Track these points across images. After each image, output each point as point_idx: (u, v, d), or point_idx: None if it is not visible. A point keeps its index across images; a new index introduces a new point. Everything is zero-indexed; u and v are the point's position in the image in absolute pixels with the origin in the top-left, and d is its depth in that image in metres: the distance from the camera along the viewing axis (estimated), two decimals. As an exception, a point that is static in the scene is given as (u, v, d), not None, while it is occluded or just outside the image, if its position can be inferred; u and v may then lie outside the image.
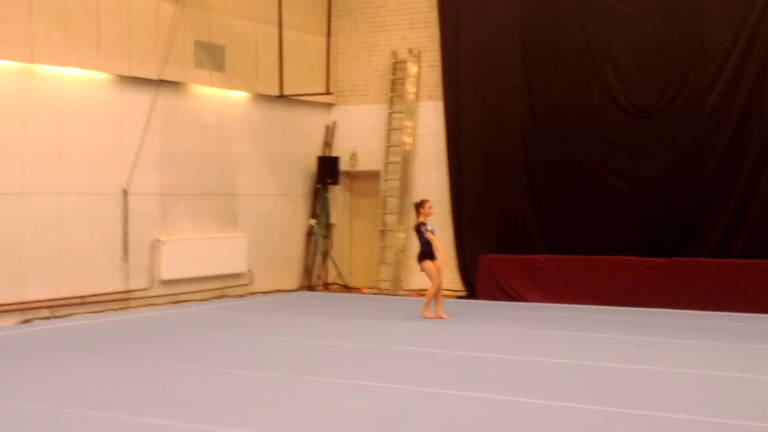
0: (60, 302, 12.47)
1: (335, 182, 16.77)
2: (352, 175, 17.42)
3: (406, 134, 16.40)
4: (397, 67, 16.66)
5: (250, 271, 15.49)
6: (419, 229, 12.61)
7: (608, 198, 14.53)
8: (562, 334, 11.16)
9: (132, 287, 13.51)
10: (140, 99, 13.55)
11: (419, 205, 12.77)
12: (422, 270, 12.69)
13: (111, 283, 13.22)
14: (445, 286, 15.85)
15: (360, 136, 17.03)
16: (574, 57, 14.78)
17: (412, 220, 16.34)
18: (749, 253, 13.62)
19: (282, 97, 15.49)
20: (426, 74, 16.43)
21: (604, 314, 13.05)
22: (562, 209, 14.88)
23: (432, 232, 12.59)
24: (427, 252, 12.54)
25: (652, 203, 14.22)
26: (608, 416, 6.82)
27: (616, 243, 14.32)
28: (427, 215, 12.69)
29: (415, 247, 16.23)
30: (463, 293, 15.54)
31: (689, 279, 13.57)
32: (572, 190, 14.77)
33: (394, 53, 16.64)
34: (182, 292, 14.23)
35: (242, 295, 15.19)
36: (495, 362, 9.23)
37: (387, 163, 16.67)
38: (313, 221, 16.89)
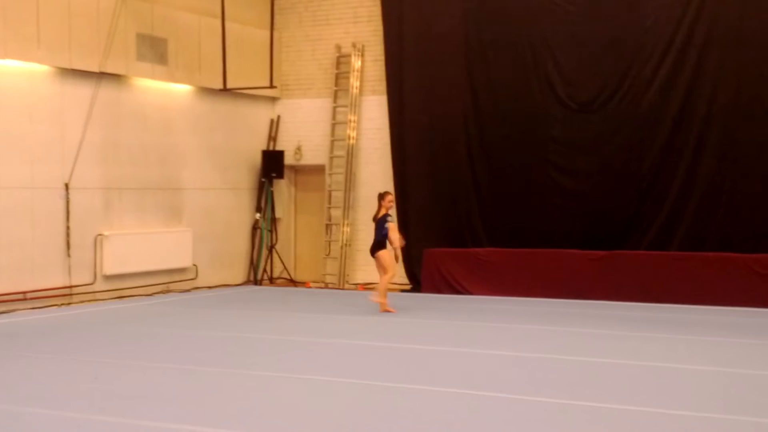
0: (0, 298, 12.29)
1: (280, 176, 16.75)
2: (297, 169, 17.41)
3: (350, 128, 16.43)
4: (341, 61, 16.68)
5: (195, 265, 15.41)
6: (383, 219, 12.65)
7: (550, 192, 14.73)
8: (505, 326, 11.31)
9: (75, 282, 13.37)
10: (81, 92, 13.39)
11: (381, 197, 12.84)
12: (378, 259, 12.65)
13: (53, 278, 13.07)
14: (390, 279, 16.00)
15: (304, 130, 17.03)
16: (515, 52, 14.94)
17: (357, 214, 16.46)
18: (688, 245, 13.91)
19: (225, 91, 15.41)
20: (370, 68, 16.47)
21: (546, 306, 13.23)
22: (505, 203, 15.05)
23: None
24: (381, 243, 12.61)
25: (592, 197, 14.44)
26: (550, 407, 6.94)
27: (558, 236, 14.53)
28: (388, 207, 12.77)
29: (360, 240, 16.38)
30: (408, 287, 15.63)
31: (629, 271, 13.83)
32: (515, 184, 14.94)
33: (338, 47, 16.65)
34: (126, 287, 14.11)
35: (187, 290, 15.11)
36: (441, 355, 9.32)
37: (332, 157, 16.69)
38: (258, 215, 16.85)
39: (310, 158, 17.04)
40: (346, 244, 16.37)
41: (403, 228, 15.72)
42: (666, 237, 14.09)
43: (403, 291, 15.48)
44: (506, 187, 15.02)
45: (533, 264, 14.41)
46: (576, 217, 14.56)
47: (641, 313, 12.40)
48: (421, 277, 15.28)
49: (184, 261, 15.19)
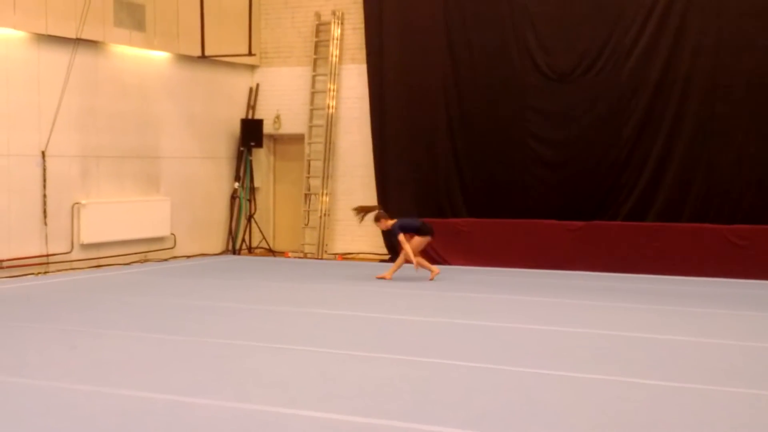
0: (-24, 267, 12.24)
1: (259, 145, 16.68)
2: (276, 138, 17.33)
3: (329, 97, 16.36)
4: (320, 29, 16.57)
5: (173, 234, 15.36)
6: (392, 233, 12.96)
7: (529, 162, 14.75)
8: (484, 296, 11.36)
9: (52, 251, 13.29)
10: (58, 58, 13.24)
11: (377, 221, 13.18)
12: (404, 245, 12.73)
13: (30, 247, 12.98)
14: (369, 249, 16.05)
15: (284, 98, 16.94)
16: (495, 21, 14.90)
17: (336, 183, 16.44)
18: (665, 216, 13.99)
19: (204, 58, 15.29)
20: (349, 37, 16.38)
21: (524, 277, 13.30)
22: (484, 173, 15.06)
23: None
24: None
25: (571, 167, 14.47)
26: (526, 376, 6.99)
27: (537, 206, 14.57)
28: (387, 227, 13.07)
29: (339, 210, 16.38)
30: (386, 257, 15.65)
31: (607, 242, 13.91)
32: (494, 154, 14.94)
33: (318, 15, 16.53)
34: (104, 256, 14.06)
35: (165, 259, 15.07)
36: (419, 324, 9.36)
37: (311, 126, 16.62)
38: (237, 184, 16.79)
39: (289, 127, 16.96)
40: (325, 214, 16.35)
41: (381, 197, 15.76)
42: (644, 208, 14.16)
43: (382, 261, 15.50)
44: (485, 157, 15.03)
45: (511, 234, 14.45)
46: (554, 188, 14.60)
47: (618, 284, 12.49)
48: (399, 247, 15.27)
49: (162, 230, 15.13)
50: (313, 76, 16.59)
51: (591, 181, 14.35)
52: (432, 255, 14.84)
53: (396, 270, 12.98)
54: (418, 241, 12.86)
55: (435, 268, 12.94)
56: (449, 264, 14.64)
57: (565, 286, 12.24)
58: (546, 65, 14.62)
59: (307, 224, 16.57)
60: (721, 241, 13.37)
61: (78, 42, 13.33)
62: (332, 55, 16.32)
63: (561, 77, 14.55)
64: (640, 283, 12.70)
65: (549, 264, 14.00)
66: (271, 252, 16.78)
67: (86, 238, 13.71)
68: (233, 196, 16.80)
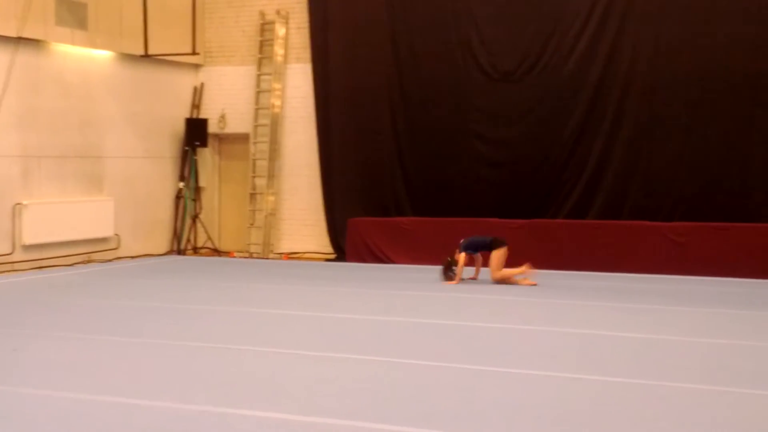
0: None
1: (204, 144, 16.61)
2: (221, 138, 17.28)
3: (275, 97, 16.35)
4: (265, 28, 16.54)
5: (117, 235, 15.23)
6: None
7: (472, 161, 14.92)
8: (428, 295, 11.46)
9: (-8, 253, 13.13)
10: (-2, 58, 13.08)
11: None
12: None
13: (-31, 248, 12.80)
14: (315, 249, 16.09)
15: (229, 98, 16.89)
16: (439, 21, 15.04)
17: (281, 183, 16.44)
18: (606, 214, 14.25)
19: (147, 57, 15.19)
20: (294, 36, 16.39)
21: (466, 274, 13.41)
22: (428, 172, 15.20)
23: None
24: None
25: (514, 166, 14.67)
26: (474, 373, 7.10)
27: (480, 205, 14.74)
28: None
29: (285, 210, 16.39)
30: (332, 256, 15.70)
31: (549, 239, 14.11)
32: (438, 153, 15.09)
33: (262, 14, 16.51)
34: (46, 257, 13.89)
35: (109, 260, 14.94)
36: (366, 323, 9.42)
37: (256, 126, 16.60)
38: (181, 184, 16.70)
39: (234, 126, 16.92)
40: (270, 214, 16.34)
41: (327, 196, 15.82)
42: (584, 206, 14.41)
43: (327, 260, 15.55)
44: (430, 156, 15.16)
45: (455, 233, 14.52)
46: (497, 186, 14.78)
47: (559, 281, 12.67)
48: (346, 246, 15.36)
49: (105, 230, 15.00)
50: (258, 76, 16.57)
51: (533, 179, 14.56)
52: (377, 253, 14.95)
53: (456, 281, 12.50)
54: (496, 257, 12.29)
55: (521, 268, 12.27)
56: (394, 263, 14.74)
57: (506, 283, 12.39)
58: (489, 65, 14.80)
59: (253, 224, 16.55)
60: (659, 239, 13.66)
61: (19, 41, 13.16)
62: (277, 55, 16.31)
63: (504, 77, 14.74)
64: (580, 280, 12.89)
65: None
66: (216, 252, 16.73)
67: (28, 239, 13.54)
68: (178, 196, 16.71)
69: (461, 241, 12.60)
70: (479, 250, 12.61)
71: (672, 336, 8.68)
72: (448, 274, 12.49)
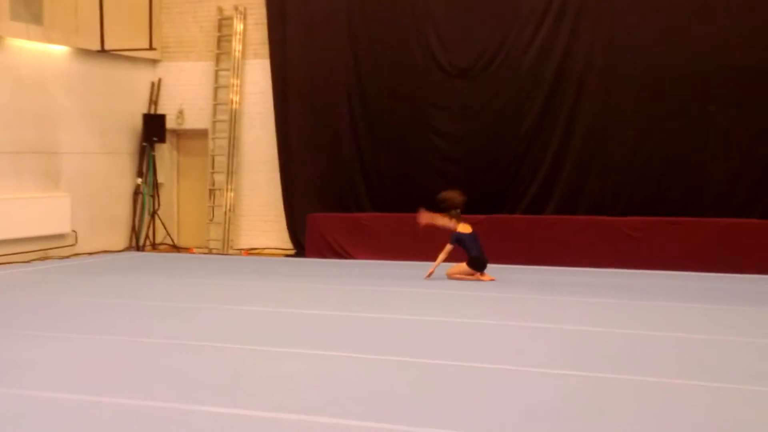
0: None
1: (162, 140, 16.54)
2: (180, 133, 17.20)
3: (233, 92, 16.32)
4: (223, 24, 16.49)
5: (74, 231, 15.12)
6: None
7: (431, 157, 15.01)
8: (387, 290, 11.53)
9: (-54, 250, 12.97)
10: (-49, 53, 12.92)
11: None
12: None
13: (-77, 246, 12.64)
14: (274, 244, 16.10)
15: (186, 93, 16.82)
16: (396, 17, 15.10)
17: (240, 179, 16.40)
18: (563, 209, 14.43)
19: (104, 52, 15.07)
20: (252, 32, 16.36)
21: (425, 269, 13.50)
22: (387, 168, 15.26)
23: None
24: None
25: (472, 161, 14.78)
26: (435, 367, 7.17)
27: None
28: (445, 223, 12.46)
29: (244, 206, 16.38)
30: (291, 252, 15.72)
31: (507, 235, 14.23)
32: (397, 149, 15.15)
33: (220, 10, 16.46)
34: (2, 254, 13.75)
35: (66, 257, 14.83)
36: (327, 319, 9.45)
37: (215, 122, 16.56)
38: (139, 180, 16.61)
39: (192, 122, 16.86)
40: (229, 210, 16.32)
41: (286, 192, 15.83)
42: (542, 201, 14.56)
43: (287, 256, 15.57)
44: (389, 152, 15.23)
45: (414, 228, 14.63)
46: (456, 182, 14.78)
47: (517, 276, 12.81)
48: (305, 241, 15.38)
49: (62, 227, 14.88)
50: (216, 71, 16.52)
51: (491, 175, 14.68)
52: (336, 249, 14.99)
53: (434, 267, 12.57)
54: (463, 270, 12.37)
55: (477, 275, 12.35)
56: (353, 258, 14.79)
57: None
58: (446, 61, 14.89)
59: (212, 220, 16.51)
60: (616, 233, 13.85)
61: (-28, 36, 13.02)
62: (235, 50, 16.28)
63: (461, 73, 14.84)
64: (537, 274, 13.03)
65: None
66: (175, 248, 16.67)
67: (-17, 236, 13.40)
68: (136, 192, 16.62)
69: (458, 230, 12.47)
70: (465, 249, 12.47)
71: (628, 330, 8.82)
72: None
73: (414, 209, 14.84)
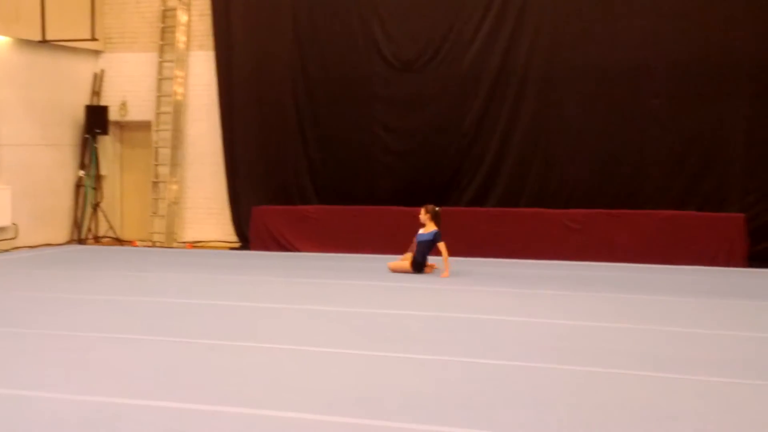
0: None
1: (105, 132, 16.38)
2: (123, 125, 17.04)
3: (177, 84, 16.20)
4: (166, 14, 16.36)
5: (14, 224, 14.91)
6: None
7: (376, 150, 15.08)
8: (331, 282, 11.57)
9: None
10: None
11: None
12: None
13: None
14: (219, 237, 16.04)
15: (130, 85, 16.66)
16: (342, 10, 15.13)
17: (185, 171, 16.30)
18: (505, 201, 14.59)
19: (45, 43, 14.87)
20: (197, 23, 16.26)
21: (370, 262, 13.57)
22: (332, 161, 15.30)
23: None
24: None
25: (417, 155, 14.88)
26: (375, 359, 7.24)
27: (383, 193, 14.92)
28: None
29: (189, 198, 16.28)
30: (237, 244, 15.68)
31: (451, 227, 14.28)
32: (342, 142, 15.19)
33: (163, 0, 16.32)
34: (-61, 247, 13.56)
35: (6, 250, 14.62)
36: (267, 311, 9.47)
37: (158, 113, 16.43)
38: (82, 172, 16.43)
39: (135, 114, 16.70)
40: (173, 203, 16.21)
41: (231, 185, 15.78)
42: (485, 194, 14.72)
43: (232, 249, 15.53)
44: (334, 145, 15.26)
45: (359, 221, 14.74)
46: (401, 175, 14.98)
47: (460, 267, 12.91)
48: (250, 234, 15.35)
49: (2, 220, 14.66)
50: (160, 63, 16.39)
51: (435, 167, 14.79)
52: (282, 242, 14.99)
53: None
54: (403, 266, 12.41)
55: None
56: (298, 251, 14.80)
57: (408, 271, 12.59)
58: (391, 55, 14.96)
59: (156, 212, 16.39)
60: (557, 226, 14.04)
61: None
62: (179, 42, 16.16)
63: (406, 67, 14.92)
64: (480, 266, 13.15)
65: (395, 249, 14.30)
66: (118, 241, 16.52)
67: None
68: (78, 185, 16.44)
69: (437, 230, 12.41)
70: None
71: (567, 320, 8.97)
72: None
73: (359, 201, 14.96)
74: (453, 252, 13.81)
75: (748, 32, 13.65)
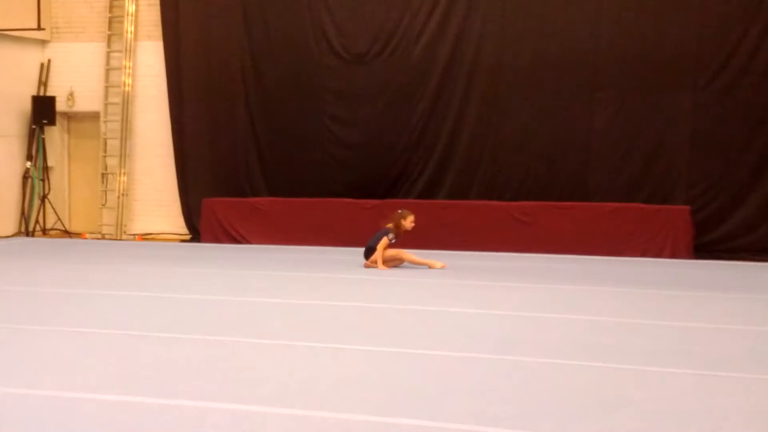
0: None
1: (52, 123, 16.20)
2: (70, 116, 16.87)
3: (125, 75, 16.08)
4: (114, 4, 16.22)
5: (-41, 216, 14.73)
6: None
7: (326, 142, 15.12)
8: (281, 274, 11.58)
9: None
10: None
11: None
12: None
13: None
14: (169, 230, 15.97)
15: (77, 75, 16.50)
16: (292, 2, 15.12)
17: (134, 163, 16.18)
18: (455, 194, 14.71)
19: (-11, 32, 14.70)
20: (145, 13, 16.14)
21: (321, 254, 13.63)
22: (283, 153, 15.31)
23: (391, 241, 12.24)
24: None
25: (367, 147, 14.95)
26: (323, 350, 7.27)
27: (334, 185, 14.98)
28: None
29: (137, 190, 16.17)
30: (187, 237, 15.62)
31: (401, 219, 14.43)
32: (292, 134, 15.22)
33: (112, -10, 16.19)
34: None
35: (-49, 243, 14.44)
36: (215, 304, 9.46)
37: (107, 104, 16.29)
38: (29, 164, 16.23)
39: (83, 105, 16.54)
40: (123, 194, 16.09)
41: (181, 177, 15.70)
42: (435, 186, 14.83)
43: (182, 241, 15.46)
44: (284, 137, 15.27)
45: (310, 213, 14.77)
46: (351, 167, 15.03)
47: (411, 259, 13.01)
48: (200, 226, 15.30)
49: (-53, 212, 14.49)
50: (108, 53, 16.25)
51: (385, 160, 14.88)
52: (232, 234, 14.97)
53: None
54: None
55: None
56: (249, 243, 14.79)
57: (358, 263, 12.65)
58: (341, 47, 15.00)
59: (105, 204, 16.27)
60: (507, 218, 14.19)
61: None
62: (127, 32, 16.03)
63: (355, 59, 14.97)
64: (429, 257, 13.24)
65: (346, 241, 14.40)
66: (66, 233, 16.37)
67: None
68: (25, 176, 16.25)
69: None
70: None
71: (514, 312, 9.08)
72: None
73: (310, 194, 14.99)
74: (401, 244, 13.93)
75: (692, 25, 13.90)
